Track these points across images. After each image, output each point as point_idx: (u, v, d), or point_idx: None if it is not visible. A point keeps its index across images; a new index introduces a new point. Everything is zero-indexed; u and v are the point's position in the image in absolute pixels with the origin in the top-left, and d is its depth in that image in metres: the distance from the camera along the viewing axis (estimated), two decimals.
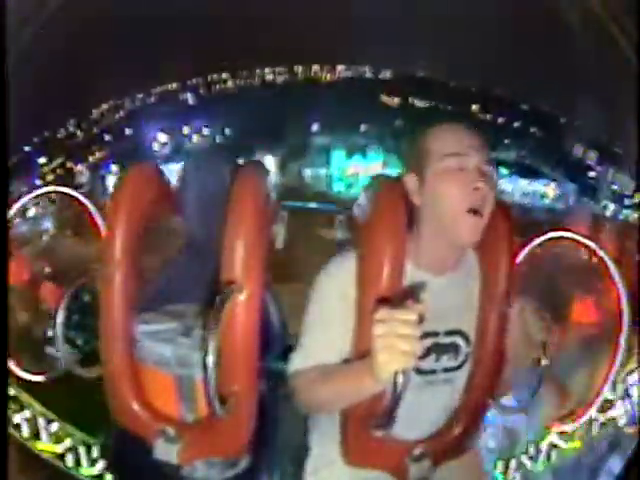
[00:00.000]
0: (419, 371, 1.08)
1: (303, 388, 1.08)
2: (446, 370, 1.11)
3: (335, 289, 1.07)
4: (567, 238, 1.89)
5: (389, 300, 0.91)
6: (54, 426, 1.32)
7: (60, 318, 1.25)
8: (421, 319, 0.83)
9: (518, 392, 1.16)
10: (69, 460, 1.60)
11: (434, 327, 1.07)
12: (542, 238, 1.82)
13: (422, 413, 1.11)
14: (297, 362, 1.09)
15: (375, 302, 0.97)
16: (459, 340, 1.11)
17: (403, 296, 0.93)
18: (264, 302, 1.15)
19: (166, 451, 1.14)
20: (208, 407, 1.03)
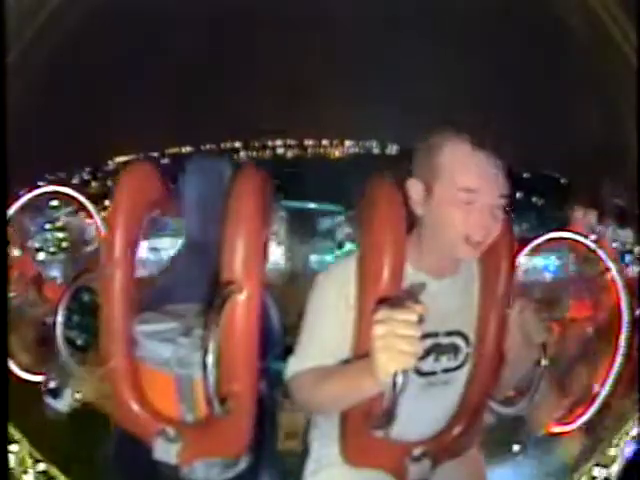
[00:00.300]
0: (419, 372, 1.08)
1: (302, 389, 1.08)
2: (446, 371, 1.11)
3: (335, 290, 1.07)
4: (567, 238, 1.89)
5: (389, 301, 0.91)
6: None
7: (60, 318, 1.25)
8: (421, 320, 0.83)
9: (517, 392, 1.16)
10: None
11: (434, 328, 1.07)
12: (542, 238, 1.82)
13: (422, 414, 1.11)
14: (296, 363, 1.09)
15: (375, 303, 0.97)
16: (459, 341, 1.11)
17: (403, 297, 0.93)
18: (264, 302, 1.15)
19: (166, 451, 1.14)
20: (208, 407, 1.03)
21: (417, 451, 1.12)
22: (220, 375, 1.01)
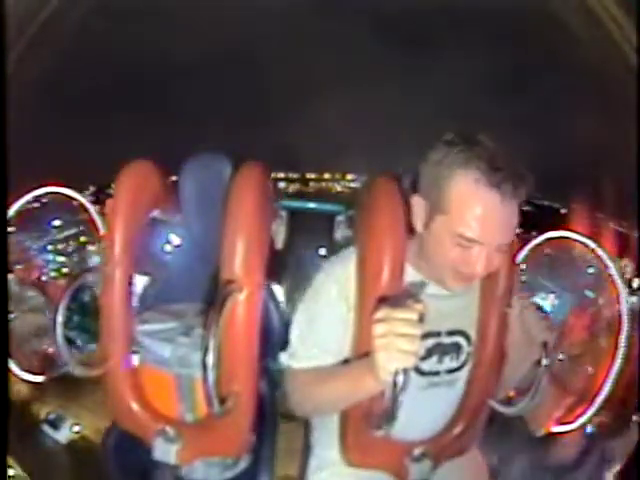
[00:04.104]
0: (422, 372, 1.07)
1: (300, 389, 1.08)
2: (449, 371, 1.11)
3: (335, 290, 1.07)
4: (567, 238, 1.88)
5: (389, 300, 0.91)
6: None
7: (60, 318, 1.25)
8: (421, 318, 0.82)
9: (518, 392, 1.16)
10: None
11: (436, 327, 1.06)
12: (541, 238, 1.81)
13: (423, 414, 1.10)
14: (294, 362, 1.09)
15: (375, 302, 0.96)
16: (461, 340, 1.11)
17: (403, 296, 0.93)
18: (264, 301, 1.15)
19: (165, 451, 1.14)
20: (208, 407, 1.03)
21: (418, 451, 1.11)
22: (220, 375, 1.01)
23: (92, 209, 2.02)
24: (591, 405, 1.98)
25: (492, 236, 0.92)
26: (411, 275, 1.06)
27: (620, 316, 1.93)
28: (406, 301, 0.85)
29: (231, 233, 1.06)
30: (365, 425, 1.04)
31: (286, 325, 1.15)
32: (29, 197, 1.96)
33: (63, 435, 1.88)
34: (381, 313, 0.83)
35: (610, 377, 2.01)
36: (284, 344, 1.12)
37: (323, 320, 1.08)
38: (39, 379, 1.71)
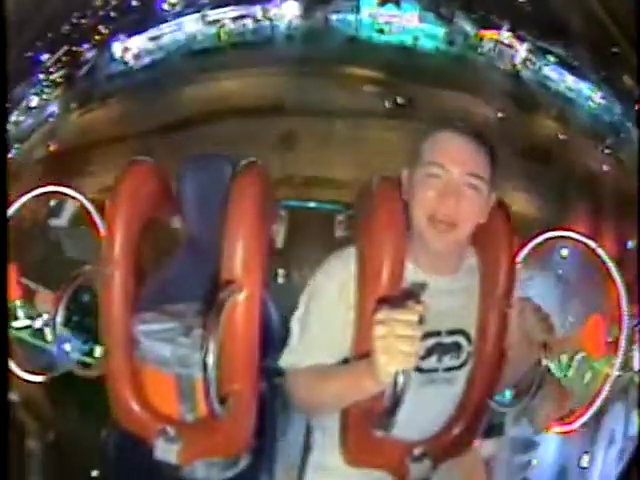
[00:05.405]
0: (420, 370, 1.07)
1: (301, 388, 1.08)
2: (448, 370, 1.11)
3: (334, 288, 1.07)
4: (566, 237, 1.89)
5: (389, 300, 0.91)
6: None
7: (60, 318, 1.25)
8: (422, 320, 0.82)
9: (518, 392, 1.16)
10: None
11: (436, 327, 1.06)
12: (541, 237, 1.81)
13: (423, 413, 1.10)
14: (294, 362, 1.09)
15: (375, 302, 0.96)
16: (461, 339, 1.11)
17: (404, 296, 0.93)
18: (264, 301, 1.15)
19: (166, 451, 1.14)
20: (208, 407, 1.03)
21: (418, 451, 1.11)
22: (220, 375, 1.01)
23: (90, 206, 2.02)
24: (591, 405, 1.99)
25: (453, 158, 1.01)
26: (411, 272, 1.06)
27: (620, 316, 1.93)
28: (406, 302, 0.85)
29: (231, 233, 1.06)
30: (365, 425, 1.04)
31: (286, 325, 1.15)
32: (29, 197, 1.97)
33: (65, 219, 1.84)
34: (381, 314, 0.83)
35: (610, 377, 2.01)
36: (284, 344, 1.12)
37: (323, 320, 1.07)
38: (39, 379, 1.71)
